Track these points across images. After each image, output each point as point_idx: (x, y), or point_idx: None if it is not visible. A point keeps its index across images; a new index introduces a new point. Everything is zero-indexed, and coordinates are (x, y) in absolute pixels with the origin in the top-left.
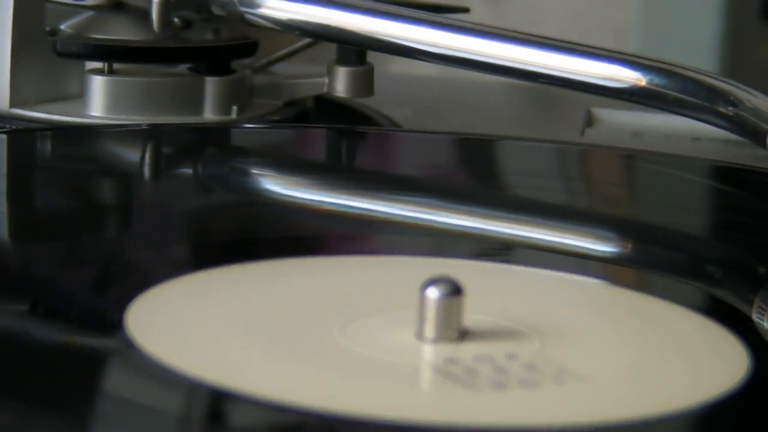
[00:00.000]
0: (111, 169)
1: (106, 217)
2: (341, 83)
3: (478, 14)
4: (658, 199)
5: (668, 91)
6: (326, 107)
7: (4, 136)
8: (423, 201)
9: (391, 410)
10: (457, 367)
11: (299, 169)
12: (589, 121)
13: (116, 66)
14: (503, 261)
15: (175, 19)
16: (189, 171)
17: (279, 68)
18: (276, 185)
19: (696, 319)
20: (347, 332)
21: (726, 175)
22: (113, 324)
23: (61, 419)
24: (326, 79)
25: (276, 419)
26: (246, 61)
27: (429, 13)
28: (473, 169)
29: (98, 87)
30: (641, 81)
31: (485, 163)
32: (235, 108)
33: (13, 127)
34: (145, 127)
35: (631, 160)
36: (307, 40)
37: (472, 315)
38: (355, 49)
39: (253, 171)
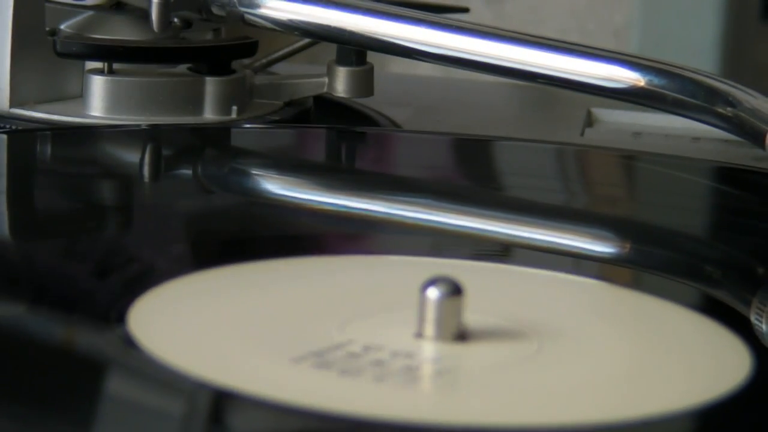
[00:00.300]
0: (111, 169)
1: (107, 218)
2: (341, 83)
3: (478, 14)
4: (657, 200)
5: (667, 92)
6: (326, 107)
7: (4, 136)
8: (423, 201)
9: (396, 410)
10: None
11: (299, 169)
12: (589, 121)
13: (116, 66)
14: (503, 261)
15: (175, 19)
16: (189, 171)
17: (279, 68)
18: (276, 185)
19: (696, 320)
20: (347, 332)
21: (725, 175)
22: (115, 324)
23: (63, 419)
24: (326, 79)
25: (276, 419)
26: (246, 61)
27: (429, 13)
28: (473, 170)
29: (98, 87)
30: (640, 81)
31: (485, 164)
32: (235, 108)
33: (13, 127)
34: (144, 128)
35: (630, 160)
36: (307, 40)
37: (471, 315)
38: (355, 49)
39: (253, 171)
